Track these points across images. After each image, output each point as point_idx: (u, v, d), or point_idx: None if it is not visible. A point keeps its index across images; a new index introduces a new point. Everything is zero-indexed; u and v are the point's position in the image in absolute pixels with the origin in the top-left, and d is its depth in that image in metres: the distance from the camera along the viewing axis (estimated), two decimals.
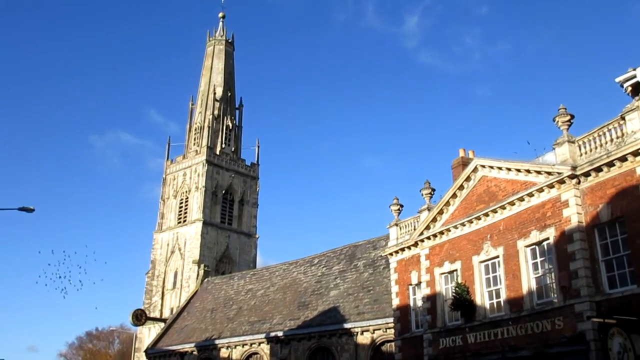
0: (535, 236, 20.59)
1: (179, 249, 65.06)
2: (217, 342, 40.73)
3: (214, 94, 72.89)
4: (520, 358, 19.91)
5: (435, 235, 25.46)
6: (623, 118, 18.37)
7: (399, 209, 29.37)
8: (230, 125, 73.19)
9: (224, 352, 39.93)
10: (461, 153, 26.87)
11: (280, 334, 36.45)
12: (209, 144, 68.19)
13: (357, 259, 37.98)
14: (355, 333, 32.13)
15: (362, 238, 40.08)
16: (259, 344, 37.88)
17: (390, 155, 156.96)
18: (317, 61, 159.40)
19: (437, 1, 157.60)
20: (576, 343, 17.94)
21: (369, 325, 31.45)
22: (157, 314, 61.32)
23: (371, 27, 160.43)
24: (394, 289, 28.33)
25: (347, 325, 32.63)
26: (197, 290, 53.76)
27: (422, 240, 26.18)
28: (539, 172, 20.69)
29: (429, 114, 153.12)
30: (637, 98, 18.12)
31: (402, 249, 27.82)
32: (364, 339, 31.74)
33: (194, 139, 71.40)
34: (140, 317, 48.32)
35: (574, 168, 19.29)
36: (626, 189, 17.94)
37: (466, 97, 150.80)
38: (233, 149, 71.97)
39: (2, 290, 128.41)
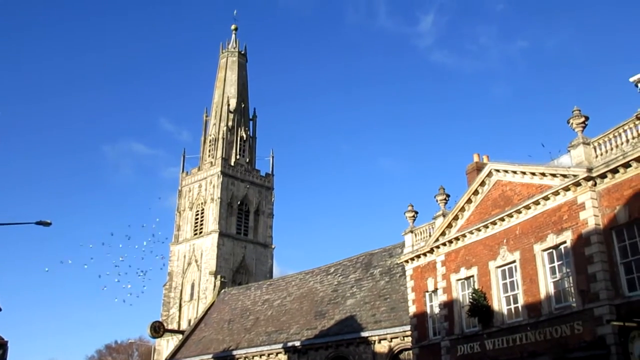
0: (552, 240, 20.34)
1: (196, 261, 65.23)
2: (234, 352, 40.71)
3: (228, 105, 73.25)
4: None
5: (450, 241, 25.26)
6: (638, 118, 18.12)
7: (413, 216, 29.21)
8: (245, 136, 73.48)
9: None
10: (475, 158, 26.70)
11: (297, 343, 36.34)
12: (223, 156, 68.49)
13: (373, 267, 37.83)
14: (372, 342, 31.92)
15: (378, 246, 40.00)
16: (277, 354, 37.78)
17: (405, 159, 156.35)
18: (330, 66, 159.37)
19: None
20: (596, 347, 17.64)
21: (386, 334, 31.23)
22: (175, 326, 61.44)
23: (384, 27, 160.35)
24: (410, 296, 28.13)
25: (364, 334, 32.44)
26: (214, 302, 53.85)
27: (437, 247, 25.99)
28: (554, 175, 20.47)
29: (444, 116, 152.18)
30: None
31: (418, 256, 27.63)
32: (381, 347, 31.52)
33: (209, 151, 71.75)
34: (158, 329, 48.49)
35: (589, 170, 19.05)
36: None
37: (483, 97, 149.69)
38: (248, 160, 72.21)
39: (22, 304, 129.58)
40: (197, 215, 68.15)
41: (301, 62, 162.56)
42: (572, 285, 19.53)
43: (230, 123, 72.32)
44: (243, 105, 75.11)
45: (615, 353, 17.23)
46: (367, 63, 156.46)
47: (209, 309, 52.99)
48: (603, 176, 18.86)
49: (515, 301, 21.75)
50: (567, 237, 19.72)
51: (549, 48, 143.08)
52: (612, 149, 19.02)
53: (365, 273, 37.96)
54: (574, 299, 19.35)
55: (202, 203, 68.01)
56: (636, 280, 17.66)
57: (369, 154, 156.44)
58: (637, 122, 18.21)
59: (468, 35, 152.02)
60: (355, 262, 40.16)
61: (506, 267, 22.41)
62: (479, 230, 23.73)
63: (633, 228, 18.00)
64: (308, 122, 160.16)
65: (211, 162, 69.37)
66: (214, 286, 57.53)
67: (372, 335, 31.99)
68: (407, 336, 29.24)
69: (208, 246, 64.60)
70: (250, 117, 75.86)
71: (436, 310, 26.25)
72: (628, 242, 18.11)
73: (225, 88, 75.17)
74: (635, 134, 18.25)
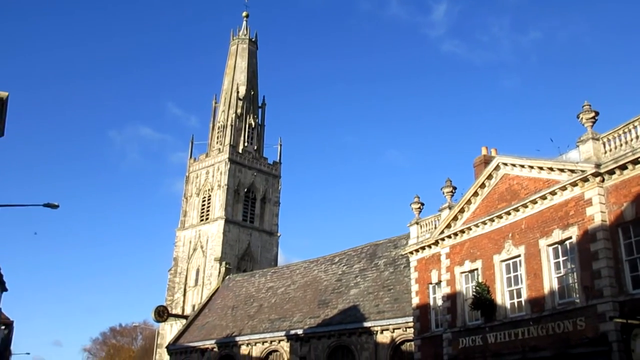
0: (557, 235, 20.25)
1: (201, 247, 65.45)
2: (237, 339, 40.90)
3: (237, 92, 73.19)
4: (541, 358, 19.62)
5: (456, 234, 25.21)
6: None
7: (419, 208, 29.15)
8: (253, 123, 73.43)
9: (244, 349, 40.09)
10: (483, 151, 26.59)
11: (300, 331, 36.45)
12: (231, 143, 68.51)
13: (377, 258, 37.83)
14: (375, 332, 31.99)
15: (383, 236, 40.02)
16: (279, 341, 37.93)
17: (412, 151, 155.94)
18: (340, 56, 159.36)
19: None
20: (598, 344, 17.59)
21: (389, 324, 31.29)
22: (179, 311, 61.78)
23: (396, 16, 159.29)
24: (414, 287, 28.13)
25: (367, 324, 32.51)
26: (218, 288, 54.06)
27: (442, 239, 25.94)
28: (562, 170, 20.34)
29: (452, 108, 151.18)
30: None
31: (423, 248, 27.60)
32: (383, 337, 31.58)
33: (217, 137, 71.79)
34: (162, 314, 48.76)
35: (598, 166, 18.92)
36: None
37: (492, 89, 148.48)
38: (255, 148, 72.22)
39: (29, 285, 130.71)
40: (203, 201, 68.32)
41: (311, 51, 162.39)
42: (576, 281, 19.46)
43: (239, 110, 72.28)
44: (252, 93, 75.00)
45: (617, 350, 17.18)
46: (378, 53, 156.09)
47: (213, 294, 53.22)
48: (611, 172, 18.72)
49: (519, 295, 21.70)
50: (573, 232, 19.62)
51: (561, 41, 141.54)
52: (621, 145, 18.87)
53: (370, 263, 37.97)
54: (577, 295, 19.29)
55: (209, 189, 68.15)
56: None
57: (376, 145, 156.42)
58: None
59: (480, 26, 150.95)
60: (360, 253, 40.18)
61: (511, 261, 22.35)
62: (484, 223, 23.65)
63: (639, 226, 17.88)
64: (317, 111, 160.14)
65: (219, 149, 69.42)
66: (219, 272, 57.76)
67: (374, 326, 32.04)
68: (409, 327, 29.26)
69: (214, 232, 64.79)
70: (260, 104, 75.77)
71: (439, 302, 26.23)
72: (634, 239, 18.00)
73: (235, 75, 75.05)
74: None
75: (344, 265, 40.42)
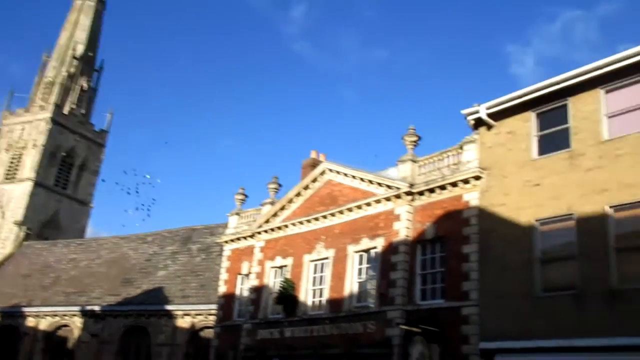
0: (365, 243, 21.63)
1: (1, 207, 59.82)
2: (25, 310, 37.96)
3: (74, 50, 68.26)
4: (331, 355, 20.74)
5: (273, 230, 25.83)
6: (461, 147, 19.93)
7: (243, 199, 29.44)
8: (86, 86, 68.90)
9: (31, 321, 37.33)
10: (313, 154, 27.65)
11: (96, 308, 34.84)
12: (57, 102, 63.63)
13: (192, 243, 37.40)
14: (176, 316, 31.58)
15: (203, 223, 39.60)
16: (72, 316, 35.90)
17: (245, 144, 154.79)
18: (186, 33, 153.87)
19: None
20: (382, 346, 19.04)
21: (191, 310, 31.09)
22: None
23: (255, 3, 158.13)
24: (223, 276, 28.27)
25: (168, 307, 31.99)
26: (13, 253, 49.83)
27: (259, 233, 26.42)
28: (380, 184, 21.79)
29: (290, 106, 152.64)
30: (475, 132, 19.75)
31: (239, 239, 27.89)
32: (183, 322, 31.28)
33: (42, 94, 66.23)
34: None
35: (411, 185, 20.54)
36: (452, 212, 19.41)
37: (332, 97, 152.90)
38: (84, 112, 67.75)
39: None
40: (13, 159, 62.58)
41: (160, 22, 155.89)
42: (373, 287, 20.90)
43: (72, 69, 67.40)
44: (91, 54, 70.41)
45: (396, 353, 18.74)
46: (230, 38, 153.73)
47: (5, 260, 48.93)
48: (421, 193, 20.44)
49: (321, 295, 22.77)
50: (379, 243, 21.08)
51: (406, 63, 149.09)
52: (434, 171, 20.67)
53: (183, 247, 37.43)
54: (372, 300, 20.73)
55: (22, 147, 62.59)
56: (428, 292, 19.37)
57: (211, 133, 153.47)
58: (459, 151, 20.01)
59: (333, 34, 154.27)
60: (175, 235, 39.43)
61: (319, 262, 23.40)
62: (301, 223, 24.53)
63: (436, 245, 19.73)
64: (157, 84, 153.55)
65: (42, 106, 64.03)
66: (17, 237, 53.23)
67: (176, 310, 31.63)
68: (211, 315, 29.29)
69: (19, 194, 59.47)
70: (97, 67, 71.40)
71: (245, 293, 26.65)
72: (429, 256, 19.82)
73: (76, 32, 69.96)
74: (455, 161, 20.03)
75: (156, 246, 39.38)
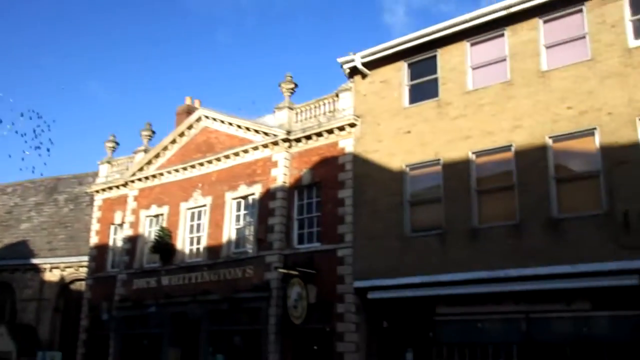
0: (243, 190, 21.73)
1: None
2: None
3: None
4: (210, 301, 20.94)
5: (147, 178, 25.17)
6: (337, 95, 20.37)
7: (113, 147, 28.29)
8: None
9: None
10: (187, 101, 27.05)
11: None
12: None
13: (58, 193, 35.45)
14: (43, 269, 30.12)
15: (69, 172, 37.55)
16: None
17: (116, 89, 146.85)
18: None
19: None
20: (261, 290, 19.52)
21: (60, 263, 29.80)
22: None
23: None
24: (95, 227, 27.29)
25: (34, 261, 30.40)
26: None
27: (132, 182, 25.65)
28: (257, 131, 21.82)
29: (165, 49, 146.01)
30: (351, 80, 20.24)
31: (110, 188, 26.92)
32: (52, 276, 29.95)
33: None
34: None
35: (288, 132, 20.78)
36: (328, 158, 19.94)
37: (206, 41, 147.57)
38: None
39: None
40: None
41: None
42: (252, 233, 21.19)
43: None
44: None
45: (275, 296, 19.31)
46: None
47: None
48: (298, 140, 20.75)
49: (199, 242, 22.74)
50: (257, 189, 21.27)
51: (281, 5, 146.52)
52: (310, 118, 21.01)
53: (48, 198, 35.40)
54: (250, 246, 21.05)
55: None
56: (305, 236, 19.98)
57: (76, 73, 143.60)
58: (335, 99, 20.45)
59: None
60: (39, 185, 37.09)
61: (196, 210, 23.25)
62: (177, 171, 24.11)
63: (312, 190, 20.28)
64: (14, 22, 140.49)
65: None
66: None
67: (43, 263, 30.15)
68: (83, 267, 28.29)
69: None
70: None
71: (119, 244, 25.97)
72: (306, 201, 20.36)
73: None
74: (331, 108, 20.46)
75: (17, 197, 36.88)
